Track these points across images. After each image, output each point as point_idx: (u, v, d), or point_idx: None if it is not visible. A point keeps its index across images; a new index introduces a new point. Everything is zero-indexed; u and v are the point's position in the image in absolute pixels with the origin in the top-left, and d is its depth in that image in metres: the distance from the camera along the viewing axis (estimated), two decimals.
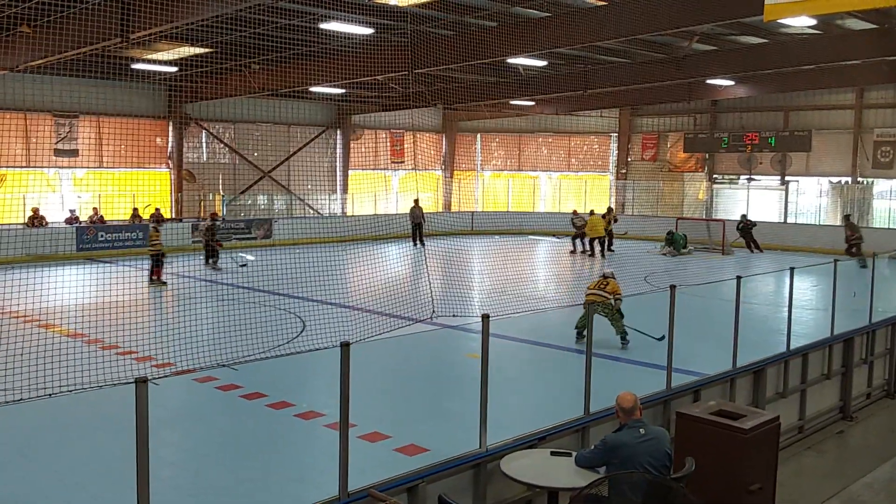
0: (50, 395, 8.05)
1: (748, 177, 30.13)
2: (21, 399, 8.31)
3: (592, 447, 5.39)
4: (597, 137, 33.96)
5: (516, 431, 5.86)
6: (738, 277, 8.48)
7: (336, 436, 4.76)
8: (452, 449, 5.54)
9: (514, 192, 35.24)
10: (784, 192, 29.35)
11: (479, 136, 35.19)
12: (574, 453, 5.48)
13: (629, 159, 33.24)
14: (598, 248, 24.67)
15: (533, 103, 28.66)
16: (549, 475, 5.23)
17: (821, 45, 18.32)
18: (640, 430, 5.25)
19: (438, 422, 8.40)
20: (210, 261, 20.91)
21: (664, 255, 25.06)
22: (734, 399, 7.94)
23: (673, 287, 7.48)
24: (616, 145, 33.48)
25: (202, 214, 26.96)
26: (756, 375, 8.42)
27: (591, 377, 6.34)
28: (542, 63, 21.14)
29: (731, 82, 24.07)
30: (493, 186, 35.70)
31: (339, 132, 31.51)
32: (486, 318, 5.58)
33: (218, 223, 22.37)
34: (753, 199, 29.03)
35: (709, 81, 23.73)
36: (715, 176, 31.49)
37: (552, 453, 5.56)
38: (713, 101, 29.73)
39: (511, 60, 19.91)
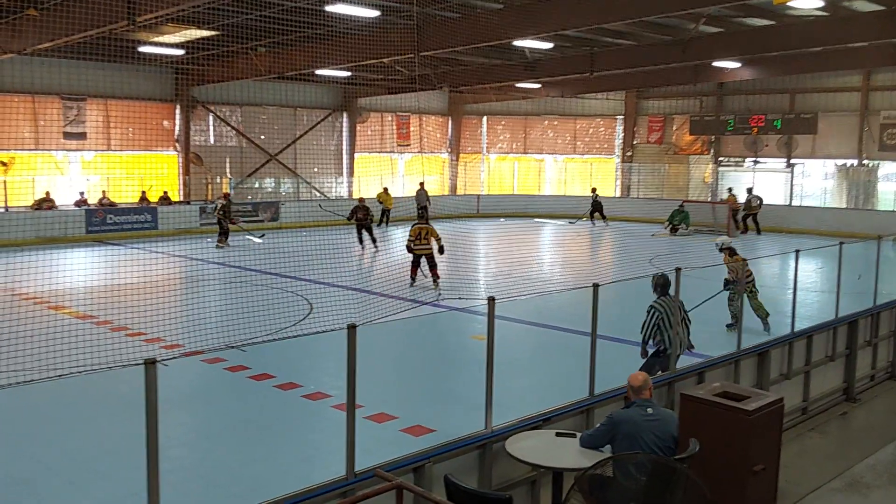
0: (60, 376, 8.15)
1: (754, 159, 30.03)
2: (32, 380, 8.43)
3: (598, 425, 5.46)
4: (602, 120, 33.85)
5: (521, 413, 5.92)
6: (744, 260, 8.50)
7: (343, 416, 4.83)
8: (458, 430, 5.61)
9: (519, 175, 35.20)
10: (790, 175, 29.26)
11: (484, 118, 35.11)
12: (579, 434, 5.55)
13: (635, 142, 33.13)
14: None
15: (539, 86, 28.55)
16: (554, 456, 5.29)
17: (828, 26, 18.20)
18: (648, 409, 5.31)
19: (444, 403, 8.49)
20: (221, 238, 21.35)
21: (653, 235, 25.11)
22: (738, 381, 7.99)
23: (678, 270, 7.53)
24: (622, 128, 33.36)
25: (209, 197, 27.05)
26: (760, 357, 8.47)
27: (596, 359, 6.40)
28: (548, 45, 21.05)
29: (738, 65, 23.94)
30: (498, 169, 35.65)
31: (345, 115, 31.48)
32: (491, 300, 5.62)
33: (230, 202, 22.76)
34: (759, 181, 28.93)
35: (715, 64, 23.60)
36: (720, 158, 31.38)
37: (557, 434, 5.62)
38: (719, 84, 29.58)
39: (517, 43, 19.83)
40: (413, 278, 15.04)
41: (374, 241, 20.58)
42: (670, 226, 26.23)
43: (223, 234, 21.41)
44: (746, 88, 29.48)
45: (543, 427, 5.83)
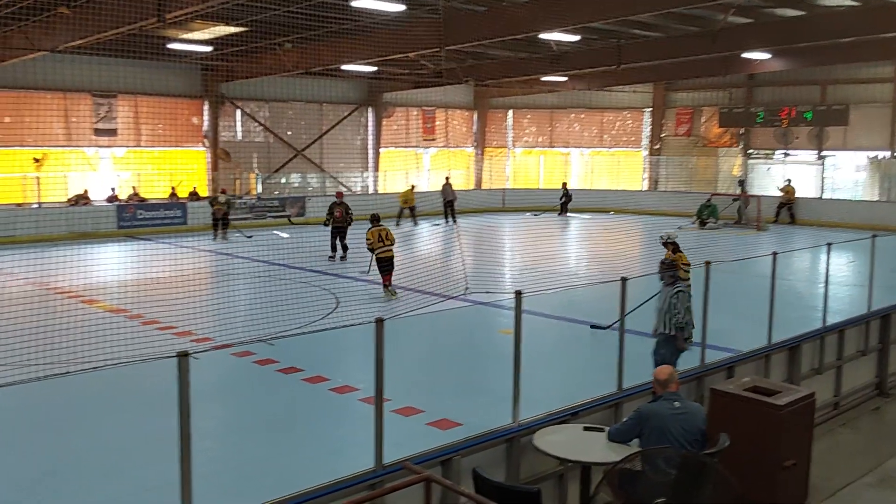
0: (95, 368, 8.29)
1: (784, 152, 29.64)
2: (67, 372, 8.58)
3: (625, 419, 5.44)
4: (630, 113, 33.58)
5: (549, 407, 5.92)
6: (774, 253, 8.41)
7: (370, 409, 4.86)
8: (485, 423, 5.62)
9: (545, 169, 35.05)
10: (820, 168, 28.84)
11: (510, 112, 35.00)
12: (607, 428, 5.53)
13: (663, 135, 32.84)
14: None
15: (565, 79, 28.38)
16: (582, 450, 5.29)
17: (859, 16, 17.88)
18: (675, 402, 5.28)
19: (471, 397, 8.50)
20: (218, 233, 22.12)
21: (679, 227, 24.93)
22: (769, 375, 7.91)
23: (707, 263, 7.46)
24: (649, 120, 33.08)
25: (237, 192, 27.31)
26: (791, 352, 8.37)
27: (625, 353, 6.38)
28: (574, 38, 20.91)
29: (768, 56, 23.60)
30: (524, 163, 35.53)
31: (370, 110, 31.55)
32: (519, 294, 5.62)
33: (230, 198, 23.42)
34: (789, 174, 28.56)
35: (744, 55, 23.29)
36: (750, 151, 31.01)
37: (585, 428, 5.61)
38: (749, 75, 29.18)
39: (543, 36, 19.74)
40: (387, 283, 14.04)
41: (345, 248, 18.01)
42: (699, 220, 26.03)
43: (221, 229, 22.28)
44: (776, 80, 29.06)
45: (571, 421, 5.82)
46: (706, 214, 26.05)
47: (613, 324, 9.00)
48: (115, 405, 8.34)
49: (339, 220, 18.16)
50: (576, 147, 34.69)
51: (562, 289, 13.77)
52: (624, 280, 6.39)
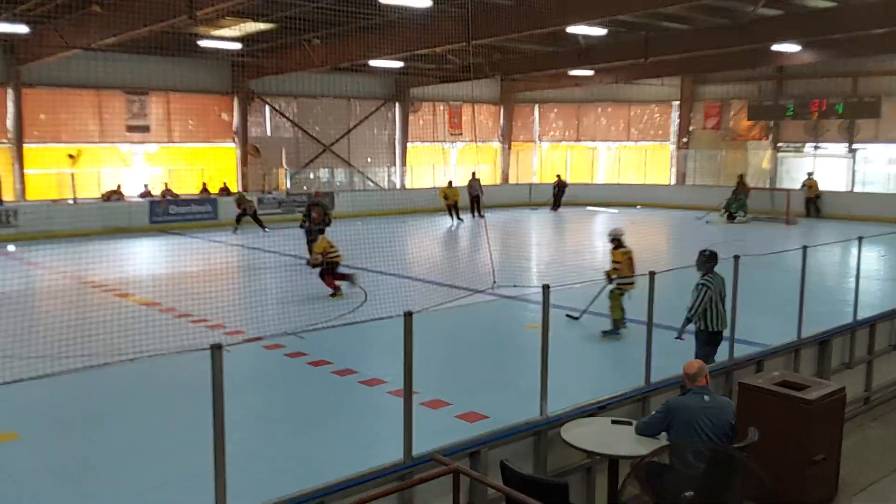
0: (132, 359, 8.47)
1: (814, 145, 29.23)
2: (106, 363, 8.78)
3: (654, 412, 5.45)
4: (657, 106, 33.32)
5: (576, 400, 5.94)
6: (804, 247, 8.35)
7: (398, 402, 4.92)
8: (512, 416, 5.65)
9: (572, 163, 34.92)
10: (851, 161, 28.40)
11: (537, 106, 34.90)
12: (635, 422, 5.55)
13: (691, 128, 32.56)
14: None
15: (592, 72, 28.24)
16: (609, 443, 5.31)
17: (891, 7, 17.58)
18: (705, 396, 5.28)
19: (498, 390, 8.55)
20: (236, 227, 22.60)
21: (706, 221, 24.78)
22: (798, 370, 7.85)
23: (736, 257, 7.43)
24: (677, 114, 32.80)
25: (266, 188, 27.59)
26: (821, 346, 8.30)
27: (653, 347, 6.38)
28: (601, 31, 20.82)
29: (798, 48, 23.29)
30: (550, 158, 35.43)
31: (397, 105, 31.66)
32: (546, 287, 5.65)
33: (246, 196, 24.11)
34: (820, 167, 28.18)
35: (774, 47, 23.00)
36: (780, 144, 30.63)
37: (613, 422, 5.63)
38: (779, 68, 28.79)
39: (570, 29, 19.67)
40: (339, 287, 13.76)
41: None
42: (727, 213, 25.79)
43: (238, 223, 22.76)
44: (807, 72, 28.65)
45: (599, 415, 5.84)
46: (735, 208, 25.82)
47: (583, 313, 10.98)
48: (150, 396, 8.51)
49: (316, 222, 16.32)
50: (603, 141, 34.51)
51: (589, 282, 13.74)
52: (652, 274, 6.39)
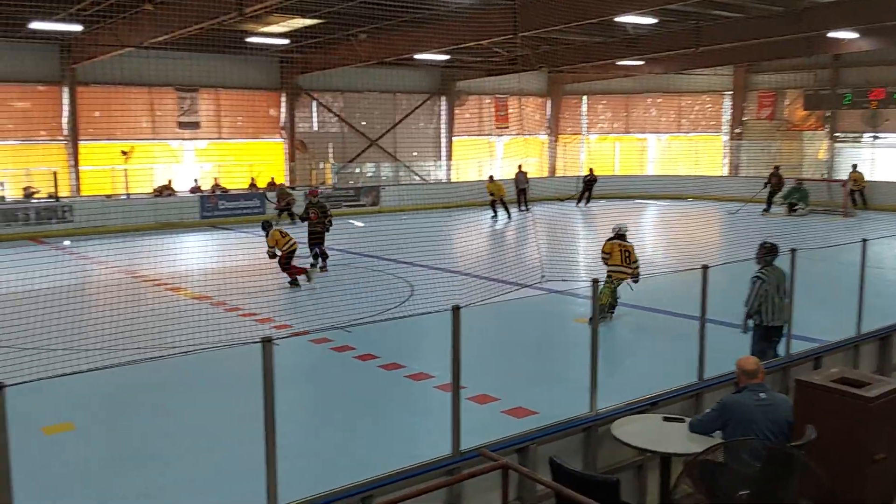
0: (186, 352, 8.60)
1: (872, 135, 28.32)
2: (162, 356, 8.94)
3: (708, 410, 5.32)
4: (709, 97, 32.66)
5: (626, 396, 5.83)
6: (864, 240, 8.07)
7: (445, 397, 4.89)
8: (561, 412, 5.58)
9: (621, 155, 34.46)
10: None
11: (585, 98, 34.52)
12: (687, 419, 5.42)
13: (744, 119, 31.84)
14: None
15: (642, 63, 27.80)
16: (661, 440, 5.20)
17: None
18: (761, 394, 5.13)
19: (546, 385, 8.46)
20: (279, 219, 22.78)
21: (733, 212, 24.20)
22: (858, 367, 7.61)
23: (793, 251, 7.22)
24: (730, 104, 32.11)
25: (312, 182, 27.83)
26: (882, 342, 8.03)
27: (706, 343, 6.23)
28: (651, 20, 20.46)
29: (856, 35, 22.55)
30: (599, 150, 35.02)
31: (443, 99, 31.62)
32: (595, 282, 5.56)
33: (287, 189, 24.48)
34: (878, 157, 27.29)
35: (830, 35, 22.31)
36: (836, 134, 29.75)
37: (665, 419, 5.51)
38: (835, 56, 27.91)
39: (619, 19, 19.37)
40: (298, 276, 13.98)
41: (324, 256, 15.41)
42: (787, 205, 25.15)
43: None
44: (865, 60, 27.72)
45: (650, 411, 5.72)
46: (796, 198, 25.17)
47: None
48: (201, 389, 8.64)
49: (314, 223, 15.33)
50: (653, 133, 33.98)
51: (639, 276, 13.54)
52: (705, 268, 6.23)
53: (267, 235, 13.95)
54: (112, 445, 7.13)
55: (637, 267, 11.37)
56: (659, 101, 33.51)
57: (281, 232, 14.00)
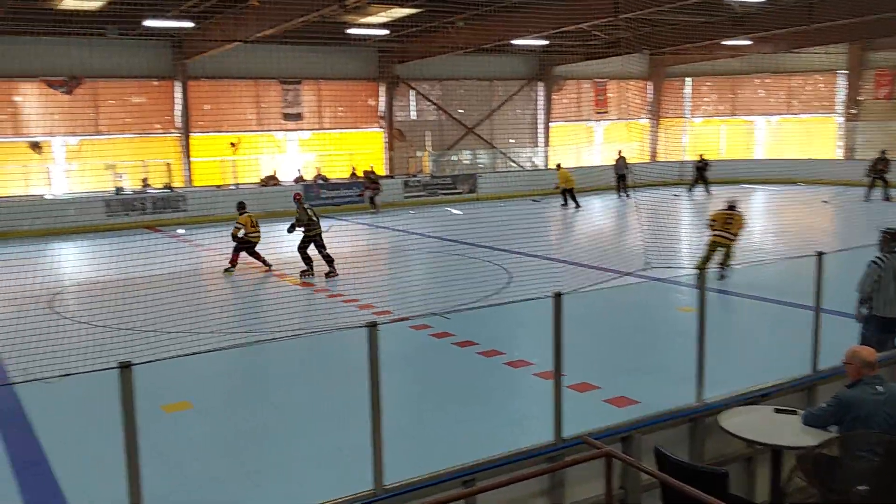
0: (296, 334, 8.89)
1: None
2: (275, 338, 9.28)
3: (823, 404, 5.08)
4: (822, 76, 31.05)
5: (733, 387, 5.65)
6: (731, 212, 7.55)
7: (544, 384, 4.87)
8: (664, 402, 5.45)
9: (727, 138, 33.24)
10: None
11: (688, 80, 33.45)
12: (801, 411, 5.20)
13: (860, 98, 30.10)
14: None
15: (749, 42, 26.67)
16: (773, 433, 5.00)
17: None
18: (878, 386, 4.87)
19: (648, 375, 8.30)
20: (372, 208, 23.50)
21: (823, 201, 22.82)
22: None
23: None
24: (844, 84, 30.42)
25: (410, 171, 28.16)
26: None
27: (821, 333, 5.96)
28: None
29: None
30: (703, 133, 33.88)
31: (540, 84, 31.31)
32: (702, 269, 5.40)
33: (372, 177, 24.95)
34: None
35: None
36: None
37: (776, 410, 5.31)
38: None
39: None
40: (234, 264, 14.53)
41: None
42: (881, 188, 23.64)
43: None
44: None
45: (760, 403, 5.52)
46: None
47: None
48: (307, 372, 8.91)
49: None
50: (761, 114, 32.62)
51: (746, 264, 13.08)
52: (820, 255, 5.95)
53: (241, 215, 14.67)
54: (227, 424, 7.46)
55: (737, 235, 12.57)
56: (768, 81, 32.10)
57: (254, 221, 14.65)
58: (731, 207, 12.89)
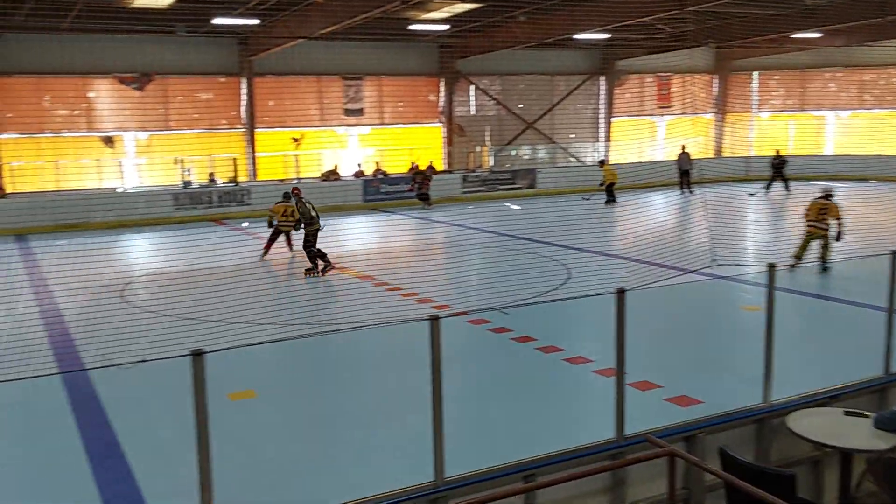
0: (361, 326, 9.01)
1: None
2: (337, 329, 9.43)
3: (895, 407, 4.93)
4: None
5: (800, 389, 5.51)
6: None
7: (604, 381, 4.84)
8: (729, 402, 5.36)
9: (795, 134, 32.31)
10: None
11: (755, 74, 32.61)
12: (871, 414, 5.05)
13: None
14: None
15: (820, 35, 25.86)
16: (842, 435, 4.87)
17: None
18: None
19: (712, 374, 8.16)
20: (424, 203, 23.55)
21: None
22: None
23: None
24: None
25: (470, 166, 28.17)
26: None
27: (893, 334, 5.77)
28: None
29: None
30: (771, 128, 33.00)
31: (602, 79, 30.94)
32: (772, 267, 5.28)
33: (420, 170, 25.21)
34: None
35: None
36: None
37: (846, 413, 5.17)
38: None
39: None
40: (267, 251, 15.17)
41: (322, 256, 13.71)
42: None
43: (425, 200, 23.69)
44: None
45: (830, 404, 5.38)
46: None
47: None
48: (369, 363, 9.02)
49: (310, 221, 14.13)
50: (831, 109, 31.60)
51: (814, 263, 12.73)
52: (894, 254, 5.75)
53: (277, 203, 15.32)
54: (289, 412, 7.61)
55: (840, 224, 12.38)
56: (839, 75, 31.09)
57: (288, 211, 14.99)
58: (827, 196, 12.65)
